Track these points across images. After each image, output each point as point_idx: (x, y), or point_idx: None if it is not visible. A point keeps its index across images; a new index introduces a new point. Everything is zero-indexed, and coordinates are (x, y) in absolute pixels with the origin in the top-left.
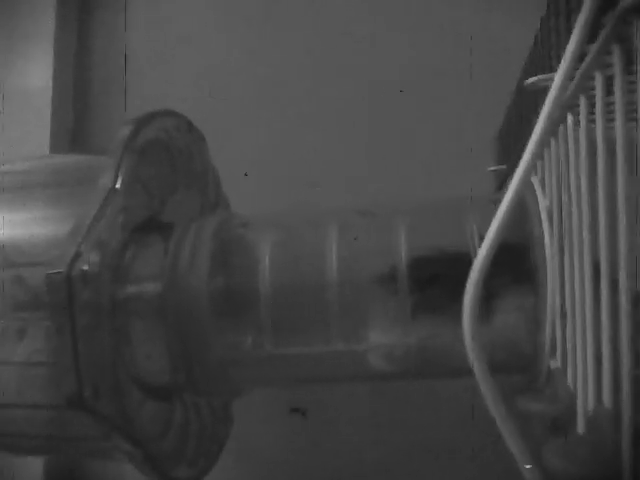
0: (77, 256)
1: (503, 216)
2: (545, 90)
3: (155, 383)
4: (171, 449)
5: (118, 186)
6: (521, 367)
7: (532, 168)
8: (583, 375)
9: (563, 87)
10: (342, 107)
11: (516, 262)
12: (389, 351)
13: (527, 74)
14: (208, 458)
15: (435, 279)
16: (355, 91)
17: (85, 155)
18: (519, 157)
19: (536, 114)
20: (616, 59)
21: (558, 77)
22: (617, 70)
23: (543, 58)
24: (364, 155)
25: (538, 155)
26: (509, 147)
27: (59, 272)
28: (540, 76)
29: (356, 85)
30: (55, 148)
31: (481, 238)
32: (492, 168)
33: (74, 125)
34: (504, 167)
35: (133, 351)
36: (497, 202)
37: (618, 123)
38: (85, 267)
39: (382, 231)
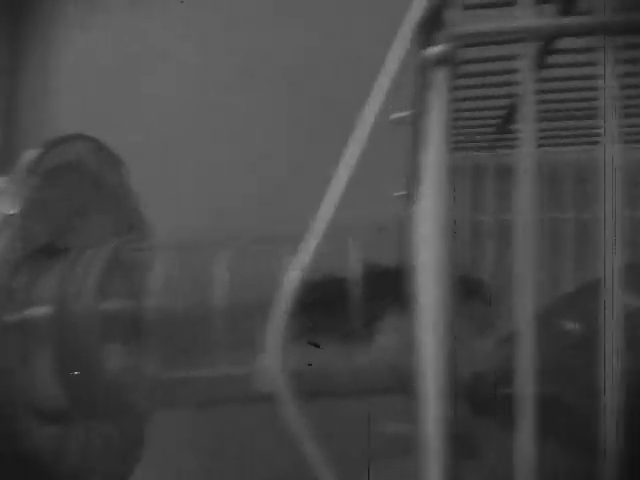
0: None
1: (310, 247)
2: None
3: (51, 408)
4: (69, 473)
5: (15, 211)
6: (400, 388)
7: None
8: (429, 396)
9: (369, 120)
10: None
11: (397, 286)
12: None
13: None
14: None
15: (318, 303)
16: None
17: None
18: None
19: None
20: (424, 105)
21: (366, 109)
22: (423, 118)
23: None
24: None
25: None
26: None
27: None
28: (400, 114)
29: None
30: None
31: (364, 264)
32: (397, 193)
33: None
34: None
35: (27, 376)
36: (380, 228)
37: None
38: None
39: (271, 257)
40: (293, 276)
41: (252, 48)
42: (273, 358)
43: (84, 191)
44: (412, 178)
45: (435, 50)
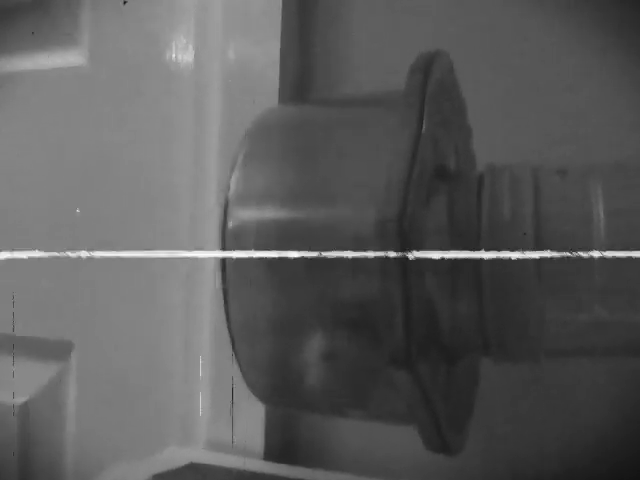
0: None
1: None
2: None
3: (451, 343)
4: (444, 413)
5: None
6: None
7: None
8: None
9: None
10: None
11: None
12: None
13: None
14: (465, 425)
15: None
16: None
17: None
18: None
19: None
20: None
21: None
22: None
23: None
24: None
25: None
26: None
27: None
28: None
29: None
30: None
31: None
32: None
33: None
34: None
35: (436, 310)
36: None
37: None
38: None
39: None
40: None
41: None
42: None
43: (450, 111)
44: None
45: None
